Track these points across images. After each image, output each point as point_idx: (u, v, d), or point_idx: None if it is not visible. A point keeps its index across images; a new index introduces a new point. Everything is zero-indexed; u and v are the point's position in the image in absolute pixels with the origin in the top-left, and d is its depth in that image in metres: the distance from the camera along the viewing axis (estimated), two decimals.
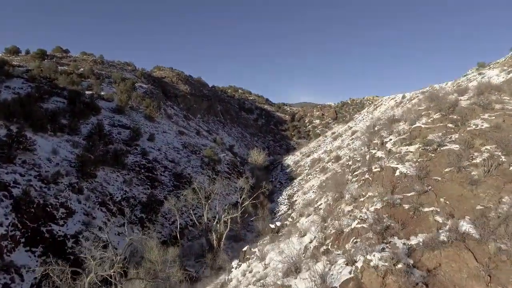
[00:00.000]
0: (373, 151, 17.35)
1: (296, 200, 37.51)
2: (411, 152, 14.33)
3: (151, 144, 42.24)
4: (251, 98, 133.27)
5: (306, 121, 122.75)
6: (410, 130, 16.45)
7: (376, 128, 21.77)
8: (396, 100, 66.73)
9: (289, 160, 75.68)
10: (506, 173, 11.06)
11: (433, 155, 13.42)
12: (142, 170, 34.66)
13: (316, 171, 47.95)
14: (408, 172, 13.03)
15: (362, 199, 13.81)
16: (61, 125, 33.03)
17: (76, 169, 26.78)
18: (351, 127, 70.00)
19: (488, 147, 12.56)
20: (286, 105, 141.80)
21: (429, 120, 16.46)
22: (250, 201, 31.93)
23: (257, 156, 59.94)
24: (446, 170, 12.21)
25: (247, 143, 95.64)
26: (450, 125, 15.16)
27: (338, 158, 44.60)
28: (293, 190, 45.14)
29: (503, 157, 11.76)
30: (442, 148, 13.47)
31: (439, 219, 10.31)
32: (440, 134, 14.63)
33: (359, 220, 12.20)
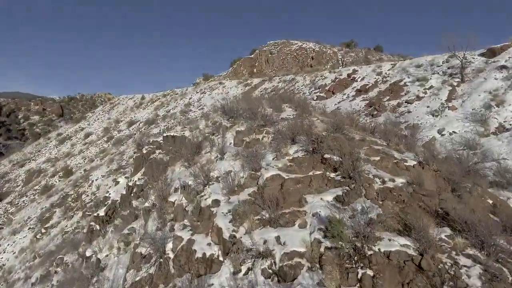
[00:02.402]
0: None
1: None
2: None
3: None
4: None
5: (19, 117, 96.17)
6: None
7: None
8: (135, 101, 64.62)
9: None
10: None
11: None
12: None
13: (36, 190, 36.83)
14: None
15: None
16: None
17: None
18: (83, 128, 60.85)
19: None
20: None
21: None
22: None
23: None
24: None
25: None
26: None
27: (68, 172, 36.24)
28: None
29: None
30: None
31: None
32: None
33: None
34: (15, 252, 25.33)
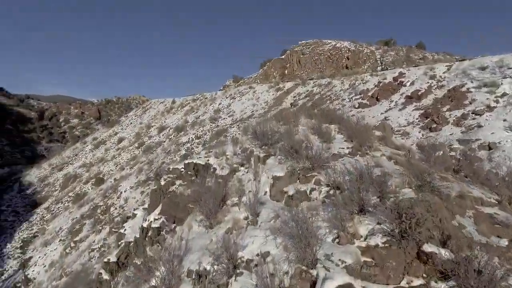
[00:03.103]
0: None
1: (31, 258, 26.24)
2: None
3: None
4: None
5: (60, 120, 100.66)
6: None
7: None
8: (166, 105, 64.51)
9: (33, 175, 57.40)
10: None
11: None
12: None
13: (70, 197, 37.04)
14: None
15: None
16: None
17: None
18: (117, 133, 61.65)
19: None
20: (32, 99, 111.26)
21: None
22: None
23: None
24: None
25: None
26: None
27: (99, 181, 36.06)
28: (32, 231, 32.45)
29: None
30: None
31: None
32: None
33: None
34: (45, 266, 25.01)
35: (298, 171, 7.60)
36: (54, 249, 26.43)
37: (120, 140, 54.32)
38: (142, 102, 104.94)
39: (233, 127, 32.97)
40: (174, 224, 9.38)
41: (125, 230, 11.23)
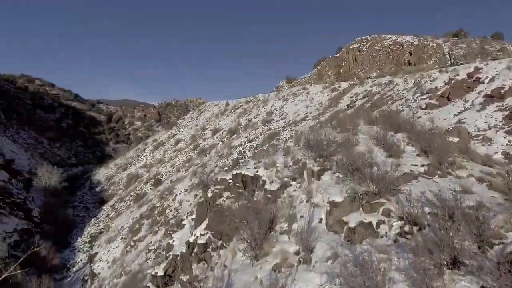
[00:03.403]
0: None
1: (97, 254, 28.11)
2: None
3: None
4: (54, 92, 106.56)
5: (126, 123, 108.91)
6: None
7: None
8: (220, 107, 65.82)
9: (101, 174, 62.56)
10: None
11: None
12: None
13: (132, 196, 39.38)
14: None
15: None
16: None
17: None
18: (175, 134, 64.47)
19: None
20: (102, 103, 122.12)
21: None
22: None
23: (48, 176, 44.97)
24: None
25: (44, 151, 74.61)
26: None
27: (157, 182, 37.76)
28: (98, 227, 35.00)
29: None
30: None
31: None
32: None
33: None
34: (108, 262, 26.57)
35: (361, 196, 6.23)
36: (116, 247, 28.02)
37: (177, 142, 56.57)
38: (198, 104, 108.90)
39: (286, 130, 32.07)
40: (221, 241, 8.80)
41: (173, 241, 11.00)
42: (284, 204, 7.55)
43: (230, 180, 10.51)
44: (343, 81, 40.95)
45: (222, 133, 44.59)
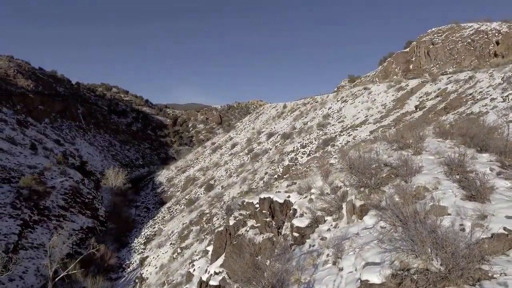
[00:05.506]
0: None
1: (147, 257, 28.57)
2: None
3: None
4: (127, 98, 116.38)
5: (189, 126, 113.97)
6: None
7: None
8: (277, 110, 64.30)
9: (163, 175, 65.65)
10: None
11: None
12: None
13: (186, 200, 39.95)
14: None
15: None
16: None
17: None
18: (232, 138, 64.71)
19: None
20: (169, 108, 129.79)
21: None
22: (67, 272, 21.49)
23: (115, 177, 48.14)
24: None
25: (116, 153, 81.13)
26: None
27: (209, 187, 37.62)
28: (154, 229, 35.98)
29: None
30: None
31: None
32: None
33: None
34: (156, 267, 26.75)
35: (415, 278, 3.51)
36: (165, 252, 28.15)
37: (233, 145, 56.44)
38: (259, 106, 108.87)
39: (342, 135, 29.17)
40: (236, 285, 7.11)
41: (194, 270, 9.61)
42: (307, 258, 5.51)
43: (257, 205, 8.76)
44: (412, 79, 36.22)
45: (277, 137, 42.95)
